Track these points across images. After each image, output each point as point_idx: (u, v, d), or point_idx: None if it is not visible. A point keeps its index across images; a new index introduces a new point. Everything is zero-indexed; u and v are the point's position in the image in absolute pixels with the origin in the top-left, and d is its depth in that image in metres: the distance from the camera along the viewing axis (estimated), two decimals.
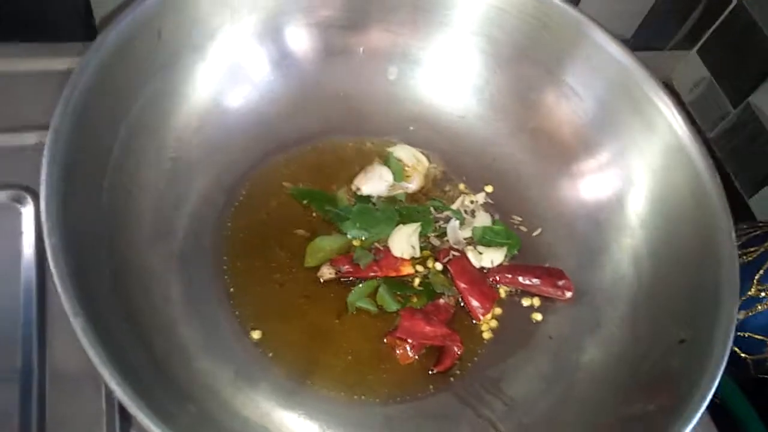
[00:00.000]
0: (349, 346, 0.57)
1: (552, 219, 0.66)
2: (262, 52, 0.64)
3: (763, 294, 0.67)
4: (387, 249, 0.61)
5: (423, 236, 0.63)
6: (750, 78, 0.87)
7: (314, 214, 0.63)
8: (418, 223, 0.63)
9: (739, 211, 0.87)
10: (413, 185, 0.66)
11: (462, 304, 0.61)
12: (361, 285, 0.59)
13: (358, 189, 0.64)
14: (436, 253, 0.63)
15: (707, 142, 0.94)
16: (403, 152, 0.67)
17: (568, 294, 0.61)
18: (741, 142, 0.90)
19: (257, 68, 0.64)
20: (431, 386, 0.56)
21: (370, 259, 0.60)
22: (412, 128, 0.69)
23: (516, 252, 0.64)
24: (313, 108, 0.66)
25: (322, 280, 0.59)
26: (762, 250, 0.69)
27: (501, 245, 0.63)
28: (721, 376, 0.49)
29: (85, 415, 0.51)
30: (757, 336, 0.67)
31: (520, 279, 0.62)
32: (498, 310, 0.61)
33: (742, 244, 0.70)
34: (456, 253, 0.62)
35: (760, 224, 0.73)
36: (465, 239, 0.64)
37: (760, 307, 0.67)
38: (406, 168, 0.67)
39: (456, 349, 0.57)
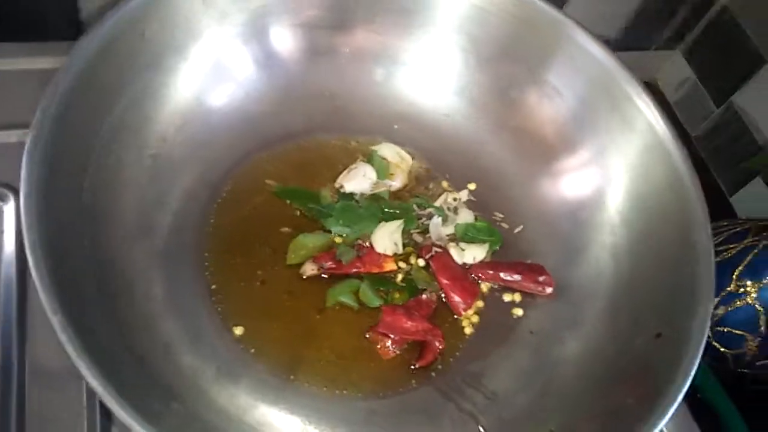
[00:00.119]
0: (332, 342, 0.57)
1: (533, 216, 0.66)
2: (246, 51, 0.64)
3: (742, 290, 0.67)
4: (370, 246, 0.62)
5: (406, 233, 0.63)
6: (733, 78, 0.88)
7: (298, 212, 0.63)
8: (401, 220, 0.63)
9: (722, 209, 0.88)
10: (397, 183, 0.67)
11: (444, 300, 0.61)
12: (343, 281, 0.59)
13: (342, 187, 0.65)
14: (419, 250, 0.63)
15: (691, 141, 0.95)
16: (387, 150, 0.68)
17: (549, 290, 0.62)
18: (724, 142, 0.91)
19: (242, 67, 0.64)
20: (413, 381, 0.56)
21: (353, 255, 0.60)
22: (396, 127, 0.69)
23: (497, 248, 0.64)
24: (297, 106, 0.67)
25: (304, 277, 0.59)
26: (741, 246, 0.69)
27: (483, 242, 0.64)
28: (701, 370, 0.49)
29: (65, 412, 0.51)
30: (736, 331, 0.68)
31: (502, 275, 0.62)
32: (479, 306, 0.61)
33: (722, 240, 0.71)
34: (438, 250, 0.63)
35: (740, 221, 0.74)
36: (447, 236, 0.64)
37: (739, 303, 0.67)
38: (390, 166, 0.67)
39: (438, 344, 0.57)
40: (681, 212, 0.57)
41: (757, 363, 0.68)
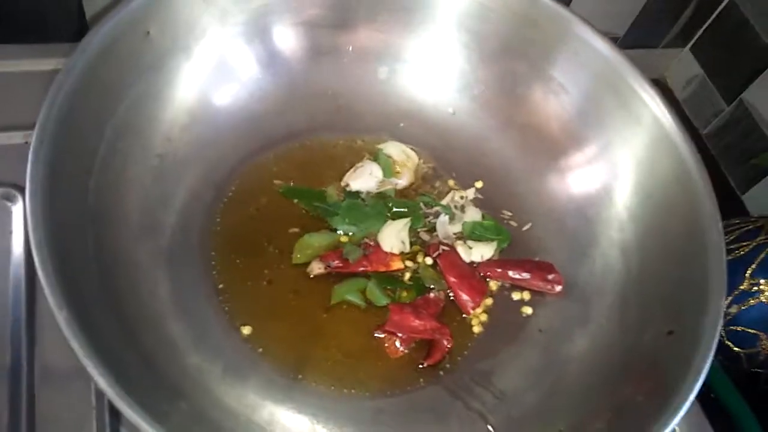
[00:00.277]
0: (339, 341, 0.57)
1: (541, 213, 0.66)
2: (249, 51, 0.64)
3: (755, 288, 0.67)
4: (377, 244, 0.61)
5: (413, 231, 0.63)
6: (743, 75, 0.88)
7: (304, 211, 0.63)
8: (408, 219, 0.63)
9: (733, 207, 0.87)
10: (403, 181, 0.67)
11: (452, 299, 0.61)
12: (350, 279, 0.59)
13: (348, 185, 0.65)
14: (426, 248, 0.63)
15: (701, 138, 0.94)
16: (393, 149, 0.67)
17: (558, 288, 0.61)
18: (734, 139, 0.90)
19: (245, 67, 0.64)
20: (421, 380, 0.56)
21: (360, 253, 0.60)
22: (402, 125, 0.69)
23: (506, 246, 0.64)
24: (301, 106, 0.67)
25: (311, 276, 0.59)
26: (754, 244, 0.69)
27: (491, 240, 0.64)
28: (715, 370, 0.49)
29: (74, 412, 0.51)
30: (750, 330, 0.67)
31: (510, 273, 0.62)
32: (488, 304, 0.61)
33: (734, 238, 0.70)
34: (446, 248, 0.62)
35: (752, 219, 0.73)
36: (455, 234, 0.64)
37: (752, 301, 0.67)
38: (396, 164, 0.67)
39: (446, 342, 0.57)
40: (689, 206, 0.57)
41: None
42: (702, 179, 0.57)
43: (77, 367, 0.51)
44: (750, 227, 0.71)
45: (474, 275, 0.62)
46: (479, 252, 0.63)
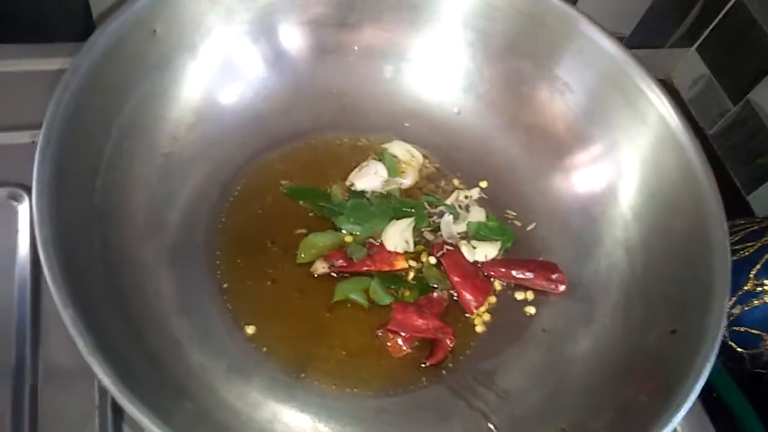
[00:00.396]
0: (342, 340, 0.57)
1: (546, 213, 0.66)
2: (255, 50, 0.64)
3: (759, 289, 0.67)
4: (381, 244, 0.61)
5: (417, 231, 0.63)
6: (749, 75, 0.87)
7: (310, 214, 0.63)
8: (412, 218, 0.63)
9: (738, 207, 0.87)
10: (408, 181, 0.67)
11: (455, 298, 0.61)
12: (353, 278, 0.59)
13: (353, 184, 0.65)
14: (430, 248, 0.63)
15: (707, 139, 0.94)
16: (398, 148, 0.68)
17: (562, 287, 0.61)
18: (740, 139, 0.90)
19: (251, 66, 0.64)
20: (424, 379, 0.56)
21: (364, 253, 0.60)
22: (407, 124, 0.69)
23: (510, 246, 0.64)
24: (307, 105, 0.67)
25: (315, 275, 0.59)
26: (759, 245, 0.69)
27: (495, 240, 0.64)
28: (718, 371, 0.49)
29: (77, 410, 0.51)
30: (753, 330, 0.67)
31: (514, 273, 0.62)
32: (491, 304, 0.61)
33: (739, 239, 0.70)
34: (450, 248, 0.62)
35: (758, 219, 0.73)
36: (459, 234, 0.64)
37: (756, 302, 0.66)
38: (401, 164, 0.67)
39: (448, 341, 0.57)
40: (695, 205, 0.57)
41: None
42: (707, 179, 0.57)
43: (81, 366, 0.52)
44: (755, 228, 0.71)
45: (478, 275, 0.62)
46: (483, 252, 0.63)
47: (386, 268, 0.60)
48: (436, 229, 0.64)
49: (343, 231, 0.62)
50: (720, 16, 0.91)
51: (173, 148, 0.59)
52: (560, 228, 0.65)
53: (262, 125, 0.65)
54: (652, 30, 0.93)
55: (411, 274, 0.61)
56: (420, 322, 0.57)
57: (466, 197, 0.66)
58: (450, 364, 0.57)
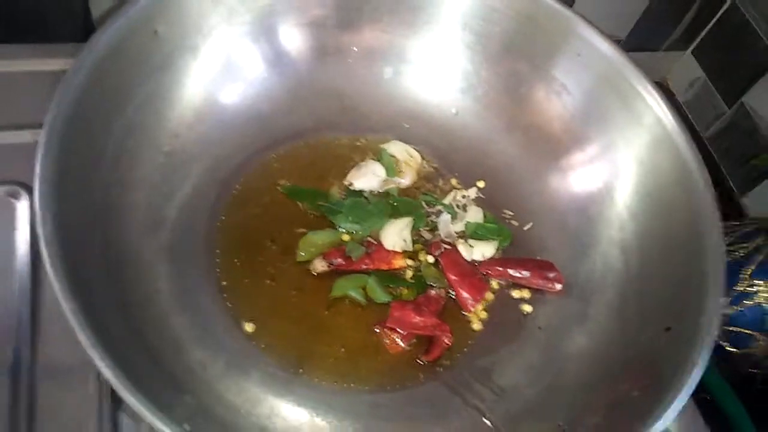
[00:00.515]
0: (341, 337, 0.57)
1: (543, 213, 0.66)
2: (256, 50, 0.65)
3: (752, 289, 0.67)
4: (379, 242, 0.62)
5: (415, 230, 0.64)
6: (744, 78, 0.88)
7: (310, 214, 0.63)
8: (410, 217, 0.63)
9: (733, 209, 0.87)
10: (406, 180, 0.67)
11: (453, 296, 0.61)
12: (351, 275, 0.60)
13: (351, 184, 0.65)
14: (428, 246, 0.63)
15: (702, 141, 0.95)
16: (396, 148, 0.68)
17: (558, 286, 0.62)
18: (735, 142, 0.91)
19: (252, 66, 0.65)
20: (421, 375, 0.56)
21: (363, 251, 0.61)
22: (406, 125, 0.70)
23: (507, 245, 0.65)
24: (306, 105, 0.67)
25: (314, 273, 0.60)
26: (752, 246, 0.69)
27: (492, 240, 0.64)
28: (711, 371, 0.49)
29: (76, 407, 0.51)
30: (745, 331, 0.68)
31: (511, 272, 0.62)
32: (488, 302, 0.62)
33: (733, 240, 0.71)
34: (447, 247, 0.63)
35: (751, 221, 0.74)
36: (456, 233, 0.64)
37: (749, 303, 0.67)
38: (399, 163, 0.67)
39: (446, 339, 0.57)
40: (690, 207, 0.57)
41: (766, 363, 0.68)
42: (703, 180, 0.57)
43: (79, 363, 0.53)
44: (748, 229, 0.72)
45: (475, 274, 0.62)
46: (480, 251, 0.63)
47: (385, 267, 0.61)
48: (434, 228, 0.65)
49: (342, 230, 0.62)
50: (715, 19, 0.92)
51: (174, 147, 0.59)
52: (557, 227, 0.65)
53: (262, 125, 0.65)
54: (648, 33, 0.94)
55: (409, 273, 0.62)
56: (418, 319, 0.57)
57: (464, 197, 0.67)
58: (447, 362, 0.57)
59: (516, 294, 0.62)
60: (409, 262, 0.62)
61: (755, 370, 0.69)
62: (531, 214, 0.67)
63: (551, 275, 0.62)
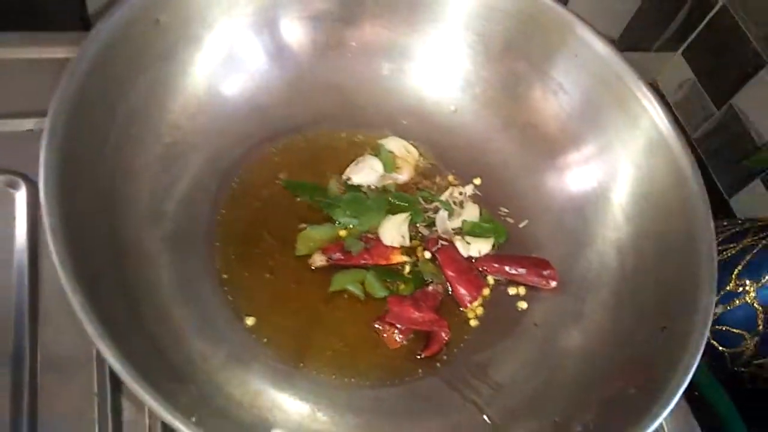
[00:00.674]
0: (340, 331, 0.58)
1: (538, 211, 0.67)
2: (258, 42, 0.65)
3: (741, 289, 0.68)
4: (377, 238, 0.62)
5: (412, 226, 0.64)
6: (733, 80, 0.89)
7: (309, 208, 0.64)
8: (408, 213, 0.64)
9: (721, 210, 0.89)
10: (403, 176, 0.68)
11: (450, 292, 0.62)
12: (350, 270, 0.60)
13: (349, 179, 0.66)
14: (425, 242, 0.64)
15: (691, 142, 0.96)
16: (394, 144, 0.69)
17: (553, 283, 0.63)
18: (723, 143, 0.92)
19: (253, 58, 0.65)
20: (420, 370, 0.57)
21: (362, 246, 0.61)
22: (404, 122, 0.70)
23: (503, 242, 0.65)
24: (307, 99, 0.68)
25: (313, 267, 0.60)
26: (741, 246, 0.70)
27: (488, 236, 0.65)
28: (702, 370, 0.50)
29: (76, 398, 0.51)
30: (734, 330, 0.68)
31: (507, 268, 0.63)
32: (485, 298, 0.62)
33: (722, 240, 0.72)
34: (444, 243, 0.64)
35: (740, 221, 0.75)
36: (453, 229, 0.65)
37: (738, 302, 0.68)
38: (397, 159, 0.68)
39: (443, 334, 0.58)
40: (684, 208, 0.58)
41: (755, 362, 0.69)
42: (696, 182, 0.58)
43: (80, 353, 0.53)
44: (737, 230, 0.73)
45: (472, 270, 0.63)
46: (477, 247, 0.64)
47: (383, 262, 0.62)
48: (431, 225, 0.65)
49: (340, 224, 0.63)
50: (705, 22, 0.93)
51: (176, 138, 0.59)
52: (552, 226, 0.66)
53: (262, 117, 0.65)
54: (640, 34, 0.94)
55: (407, 268, 0.62)
56: (416, 314, 0.58)
57: (461, 194, 0.67)
58: (444, 357, 0.58)
59: (512, 291, 0.63)
60: (406, 257, 0.63)
61: (744, 369, 0.70)
62: (526, 211, 0.67)
63: (546, 272, 0.63)
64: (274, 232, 0.61)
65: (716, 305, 0.68)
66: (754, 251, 0.69)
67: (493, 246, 0.65)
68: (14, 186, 0.60)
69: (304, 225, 0.62)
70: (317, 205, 0.64)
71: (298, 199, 0.64)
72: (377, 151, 0.68)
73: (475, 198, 0.68)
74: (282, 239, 0.61)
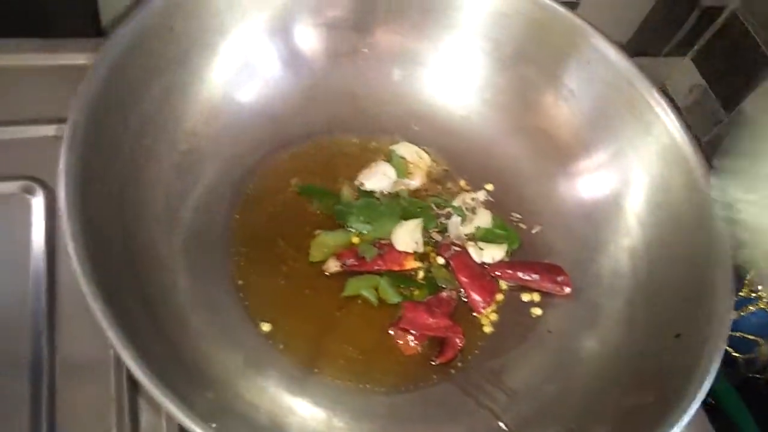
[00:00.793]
0: (354, 337, 0.58)
1: (551, 217, 0.67)
2: (272, 50, 0.65)
3: (754, 295, 0.68)
4: (390, 244, 0.63)
5: (425, 231, 0.64)
6: (743, 84, 0.89)
7: (318, 211, 0.64)
8: (421, 219, 0.64)
9: None
10: (415, 182, 0.68)
11: (463, 298, 0.62)
12: (364, 275, 0.61)
13: (362, 184, 0.66)
14: (438, 248, 0.64)
15: (701, 147, 0.96)
16: (406, 150, 0.69)
17: (567, 290, 0.63)
18: None
19: (267, 66, 0.65)
20: (434, 376, 0.57)
21: (375, 252, 0.61)
22: (416, 128, 0.70)
23: (516, 248, 0.65)
24: (320, 105, 0.68)
25: (327, 273, 0.60)
26: None
27: (501, 243, 0.65)
28: (717, 377, 0.50)
29: (95, 401, 0.52)
30: (748, 336, 0.68)
31: (520, 274, 0.63)
32: (498, 303, 0.62)
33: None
34: (457, 249, 0.64)
35: None
36: (466, 235, 0.65)
37: (751, 308, 0.68)
38: (409, 165, 0.68)
39: (458, 340, 0.58)
40: (698, 214, 0.58)
41: None
42: (710, 189, 0.58)
43: (98, 356, 0.53)
44: None
45: (485, 276, 0.63)
46: (490, 253, 0.64)
47: (396, 268, 0.62)
48: (444, 230, 0.65)
49: (353, 230, 0.63)
50: (715, 26, 0.93)
51: (191, 144, 0.60)
52: (565, 232, 0.66)
53: (275, 124, 0.66)
54: (648, 38, 0.94)
55: (420, 274, 0.62)
56: (431, 320, 0.58)
57: (473, 199, 0.68)
58: (459, 363, 0.58)
59: (526, 297, 0.63)
60: (420, 263, 0.63)
61: (758, 375, 0.70)
62: (539, 217, 0.68)
63: (560, 279, 0.63)
64: (288, 238, 0.62)
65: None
66: None
67: (507, 252, 0.65)
68: (31, 192, 0.60)
69: (318, 231, 0.62)
70: (330, 211, 0.64)
71: (312, 204, 0.64)
72: (389, 157, 0.68)
73: (487, 204, 0.68)
74: (296, 245, 0.61)
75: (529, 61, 0.68)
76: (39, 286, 0.56)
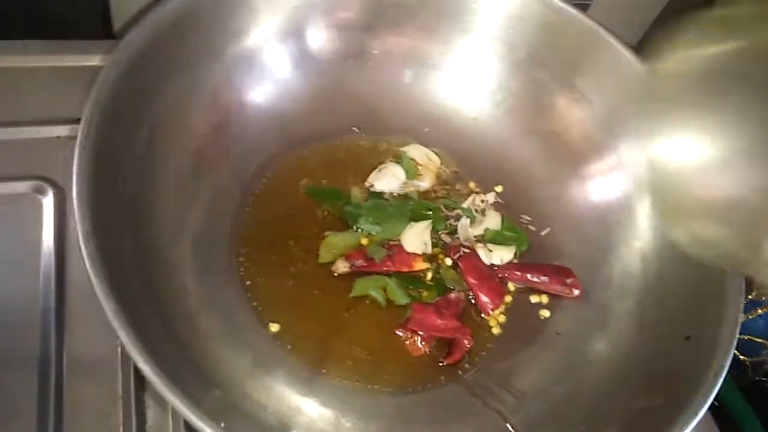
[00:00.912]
0: (362, 338, 0.58)
1: (561, 219, 0.67)
2: (283, 51, 0.65)
3: (763, 298, 0.68)
4: (399, 245, 0.63)
5: (434, 233, 0.64)
6: None
7: (327, 213, 0.64)
8: (430, 220, 0.64)
9: None
10: (425, 184, 0.68)
11: (472, 300, 0.62)
12: (372, 276, 0.61)
13: (372, 186, 0.66)
14: (447, 250, 0.64)
15: None
16: (416, 152, 0.69)
17: (576, 292, 0.62)
18: None
19: (278, 67, 0.66)
20: (442, 378, 0.57)
21: (384, 253, 0.61)
22: (427, 130, 0.71)
23: (525, 249, 0.65)
24: (330, 107, 0.68)
25: (336, 274, 0.60)
26: None
27: (510, 244, 0.65)
28: (724, 380, 0.50)
29: (101, 400, 0.52)
30: (756, 339, 0.68)
31: (529, 276, 0.63)
32: (507, 305, 0.62)
33: None
34: (466, 250, 0.64)
35: None
36: (475, 237, 0.65)
37: (760, 311, 0.68)
38: (418, 167, 0.68)
39: (466, 342, 0.58)
40: None
41: None
42: None
43: (105, 357, 0.54)
44: None
45: (494, 277, 0.63)
46: (499, 255, 0.64)
47: (405, 269, 0.62)
48: (453, 232, 0.65)
49: (362, 231, 0.63)
50: None
51: (201, 146, 0.60)
52: (574, 234, 0.66)
53: (285, 126, 0.66)
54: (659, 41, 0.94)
55: (429, 275, 0.62)
56: (439, 322, 0.58)
57: (482, 201, 0.68)
58: (467, 365, 0.58)
59: (534, 299, 0.63)
60: (428, 264, 0.63)
61: (765, 378, 0.69)
62: (548, 219, 0.67)
63: (569, 281, 0.63)
64: (297, 239, 0.62)
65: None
66: None
67: (515, 254, 0.65)
68: (42, 192, 0.61)
69: (327, 232, 0.62)
70: (339, 213, 0.64)
71: (322, 205, 0.64)
72: (399, 159, 0.68)
73: (496, 206, 0.68)
74: (305, 246, 0.61)
75: (543, 64, 0.68)
76: (48, 284, 0.57)
